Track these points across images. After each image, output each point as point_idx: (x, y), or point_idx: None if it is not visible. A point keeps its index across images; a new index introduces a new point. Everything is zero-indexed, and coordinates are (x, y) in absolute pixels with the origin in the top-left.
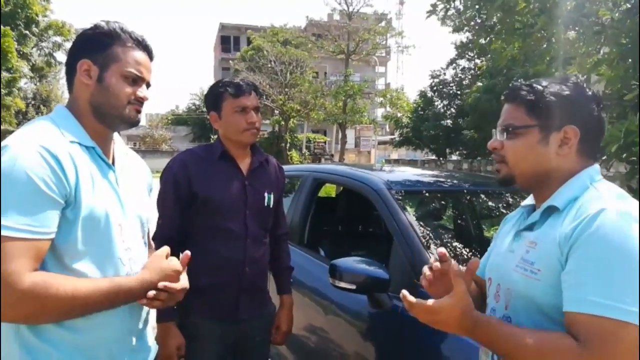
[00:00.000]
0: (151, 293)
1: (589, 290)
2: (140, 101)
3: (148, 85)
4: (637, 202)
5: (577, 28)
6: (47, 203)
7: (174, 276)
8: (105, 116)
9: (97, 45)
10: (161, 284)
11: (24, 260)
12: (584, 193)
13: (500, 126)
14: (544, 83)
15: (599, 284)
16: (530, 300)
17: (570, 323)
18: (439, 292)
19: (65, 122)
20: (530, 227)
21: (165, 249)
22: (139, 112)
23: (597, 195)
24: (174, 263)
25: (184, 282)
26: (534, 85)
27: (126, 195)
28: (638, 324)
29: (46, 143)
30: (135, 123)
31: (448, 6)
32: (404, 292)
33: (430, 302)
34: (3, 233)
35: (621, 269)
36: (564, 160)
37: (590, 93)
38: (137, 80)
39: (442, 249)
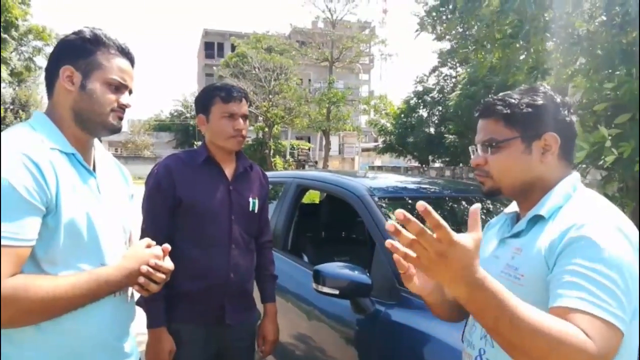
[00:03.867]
0: (142, 279)
1: (583, 290)
2: (122, 108)
3: (130, 92)
4: (616, 210)
5: (554, 39)
6: (29, 210)
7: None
8: (87, 122)
9: (80, 51)
10: (144, 268)
11: (5, 266)
12: (567, 202)
13: (481, 142)
14: (516, 95)
15: (591, 287)
16: None
17: (564, 318)
18: (424, 287)
19: (44, 128)
20: (516, 235)
21: (146, 240)
22: (121, 119)
23: (580, 204)
24: (153, 250)
25: (168, 263)
26: (507, 98)
27: (108, 201)
28: (623, 330)
29: (27, 150)
30: (117, 130)
31: (435, 22)
32: (421, 203)
33: (449, 231)
34: None
35: (608, 275)
36: (547, 168)
37: (559, 100)
38: (120, 88)
39: (400, 210)
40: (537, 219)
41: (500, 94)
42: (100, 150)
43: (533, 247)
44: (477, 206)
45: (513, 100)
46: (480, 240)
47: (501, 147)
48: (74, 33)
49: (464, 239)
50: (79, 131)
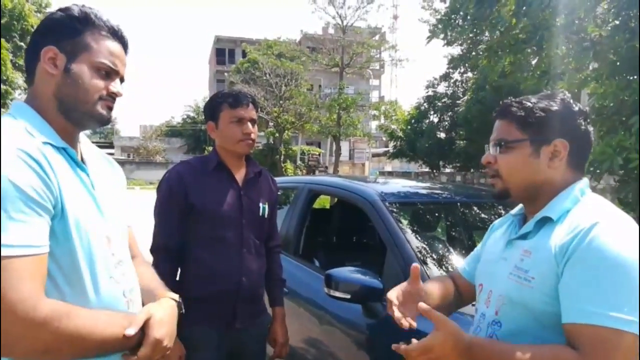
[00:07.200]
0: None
1: (586, 301)
2: (112, 97)
3: (122, 80)
4: (624, 214)
5: (567, 43)
6: (39, 212)
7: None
8: (72, 112)
9: (67, 30)
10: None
11: (34, 282)
12: (575, 205)
13: (493, 141)
14: (533, 100)
15: (595, 294)
16: (523, 307)
17: (569, 334)
18: (411, 312)
19: (30, 120)
20: (523, 237)
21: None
22: (111, 108)
23: (589, 208)
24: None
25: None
26: (524, 101)
27: (105, 200)
28: (637, 333)
29: (23, 146)
30: (105, 121)
31: (446, 29)
32: (395, 345)
33: (422, 341)
34: (4, 252)
35: (616, 280)
36: (555, 173)
37: (576, 108)
38: (110, 74)
39: (416, 265)
40: (545, 221)
41: (520, 97)
42: (85, 143)
43: (543, 249)
44: (415, 266)
45: (529, 104)
46: (445, 322)
47: (510, 147)
48: (60, 10)
49: (434, 337)
50: (64, 122)
